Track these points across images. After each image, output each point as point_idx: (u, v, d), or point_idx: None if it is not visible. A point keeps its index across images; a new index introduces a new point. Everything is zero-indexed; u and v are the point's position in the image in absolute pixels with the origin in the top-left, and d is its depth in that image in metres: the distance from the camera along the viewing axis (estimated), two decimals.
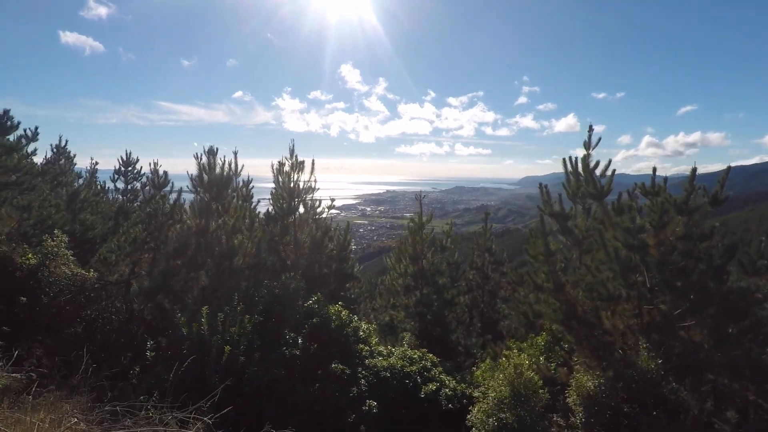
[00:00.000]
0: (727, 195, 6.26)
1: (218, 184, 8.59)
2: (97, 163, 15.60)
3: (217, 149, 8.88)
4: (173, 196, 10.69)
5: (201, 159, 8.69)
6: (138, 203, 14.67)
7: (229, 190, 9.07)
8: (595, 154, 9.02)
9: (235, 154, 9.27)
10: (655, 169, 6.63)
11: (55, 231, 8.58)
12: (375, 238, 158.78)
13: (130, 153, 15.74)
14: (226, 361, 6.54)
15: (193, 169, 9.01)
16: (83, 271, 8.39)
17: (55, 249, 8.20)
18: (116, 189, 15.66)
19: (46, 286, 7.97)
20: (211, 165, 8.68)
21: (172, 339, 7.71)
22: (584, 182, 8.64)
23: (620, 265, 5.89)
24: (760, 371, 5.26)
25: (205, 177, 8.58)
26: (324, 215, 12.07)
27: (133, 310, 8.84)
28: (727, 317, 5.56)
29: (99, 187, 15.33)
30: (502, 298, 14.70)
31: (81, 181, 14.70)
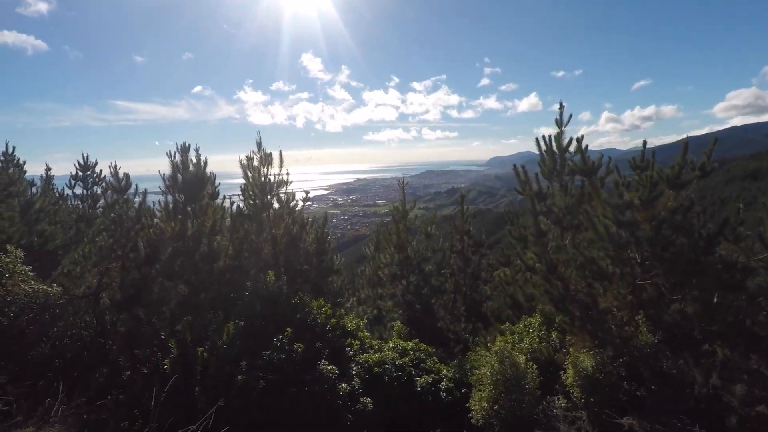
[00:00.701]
0: (714, 165, 6.26)
1: (193, 184, 7.99)
2: (50, 169, 14.62)
3: (189, 146, 8.25)
4: (138, 199, 10.08)
5: (174, 157, 8.04)
6: (100, 209, 13.85)
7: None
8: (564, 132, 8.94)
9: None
10: (645, 143, 6.56)
11: (8, 246, 7.89)
12: (349, 227, 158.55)
13: (88, 156, 14.85)
14: (213, 374, 6.17)
15: (157, 169, 8.44)
16: (45, 287, 7.77)
17: (11, 265, 7.54)
18: (74, 195, 14.70)
19: (5, 306, 7.34)
20: (185, 163, 8.04)
21: (151, 353, 7.27)
22: (561, 159, 8.59)
23: (611, 243, 5.84)
24: (754, 340, 5.34)
25: (179, 177, 7.95)
26: (299, 208, 11.67)
27: (105, 323, 8.29)
28: (719, 288, 5.61)
29: (57, 194, 14.36)
30: (483, 279, 14.74)
31: (35, 189, 13.71)
